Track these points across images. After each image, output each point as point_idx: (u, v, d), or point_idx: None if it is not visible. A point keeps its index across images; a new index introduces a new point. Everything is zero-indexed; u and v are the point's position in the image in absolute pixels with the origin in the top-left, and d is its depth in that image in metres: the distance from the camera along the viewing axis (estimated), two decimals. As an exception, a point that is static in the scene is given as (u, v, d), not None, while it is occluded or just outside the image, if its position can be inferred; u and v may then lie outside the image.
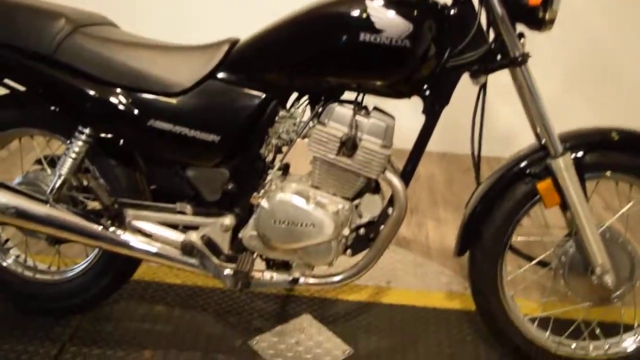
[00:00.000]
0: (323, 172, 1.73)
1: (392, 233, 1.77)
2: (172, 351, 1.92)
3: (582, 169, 1.71)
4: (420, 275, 2.34)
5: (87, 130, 1.78)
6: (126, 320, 2.05)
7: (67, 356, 1.90)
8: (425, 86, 1.71)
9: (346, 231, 1.74)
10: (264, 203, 1.71)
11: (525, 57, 1.63)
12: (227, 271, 1.77)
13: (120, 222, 1.79)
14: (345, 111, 1.69)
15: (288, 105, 1.79)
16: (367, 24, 1.57)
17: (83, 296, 1.98)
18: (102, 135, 1.79)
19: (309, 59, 1.66)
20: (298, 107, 1.78)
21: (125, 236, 1.78)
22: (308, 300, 2.17)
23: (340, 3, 1.62)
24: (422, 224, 2.71)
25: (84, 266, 1.98)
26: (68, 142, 1.81)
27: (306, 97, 1.77)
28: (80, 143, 1.79)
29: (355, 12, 1.58)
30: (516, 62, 1.64)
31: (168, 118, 1.72)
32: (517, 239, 1.85)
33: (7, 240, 2.08)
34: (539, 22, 1.60)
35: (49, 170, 1.92)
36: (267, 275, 1.79)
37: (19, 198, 1.76)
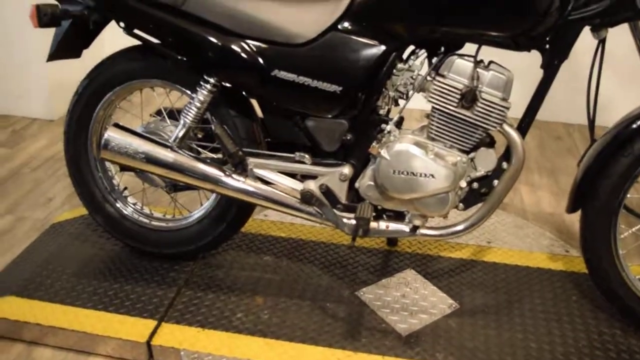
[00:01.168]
0: (441, 124, 1.75)
1: (509, 186, 1.78)
2: (282, 298, 1.99)
3: None
4: (521, 236, 2.34)
5: (212, 80, 1.84)
6: (236, 268, 2.13)
7: (184, 299, 1.99)
8: (546, 39, 1.71)
9: (463, 183, 1.77)
10: (383, 153, 1.74)
11: (652, 9, 1.61)
12: (345, 220, 1.82)
13: (242, 169, 1.85)
14: (466, 63, 1.71)
15: (405, 58, 1.82)
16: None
17: (198, 243, 2.07)
18: (227, 85, 1.85)
19: (434, 10, 1.67)
20: (416, 60, 1.81)
21: (247, 183, 1.84)
22: (410, 256, 2.21)
23: None
24: (516, 188, 2.70)
25: (200, 214, 2.06)
26: (192, 92, 1.88)
27: (424, 50, 1.80)
28: (205, 92, 1.86)
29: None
30: None
31: (292, 68, 1.77)
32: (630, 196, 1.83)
33: (125, 189, 2.18)
34: None
35: (168, 121, 2.01)
36: (383, 224, 1.83)
37: (148, 144, 1.85)
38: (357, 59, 1.75)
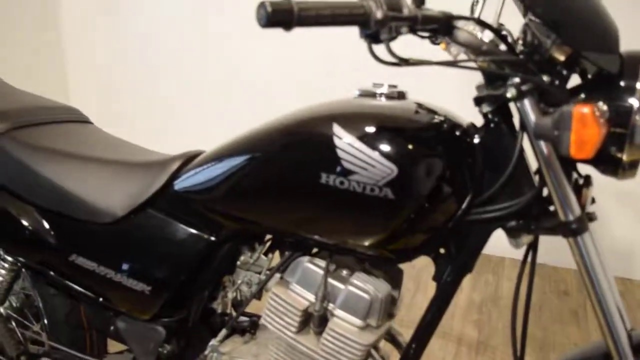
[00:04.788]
0: (281, 352, 1.23)
1: None
2: None
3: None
4: None
5: (9, 257, 1.44)
6: None
7: None
8: (437, 245, 1.16)
9: None
10: (190, 386, 1.24)
11: (582, 224, 1.01)
12: None
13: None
14: (316, 271, 1.19)
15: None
16: (331, 160, 1.06)
17: None
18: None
19: (261, 199, 1.18)
20: (265, 254, 1.31)
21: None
22: None
23: (307, 125, 1.13)
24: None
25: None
26: None
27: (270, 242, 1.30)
28: (3, 271, 1.45)
29: (317, 143, 1.08)
30: (566, 230, 1.02)
31: (91, 255, 1.33)
32: None
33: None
34: (614, 164, 0.99)
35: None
36: None
37: None
38: (174, 248, 1.28)
